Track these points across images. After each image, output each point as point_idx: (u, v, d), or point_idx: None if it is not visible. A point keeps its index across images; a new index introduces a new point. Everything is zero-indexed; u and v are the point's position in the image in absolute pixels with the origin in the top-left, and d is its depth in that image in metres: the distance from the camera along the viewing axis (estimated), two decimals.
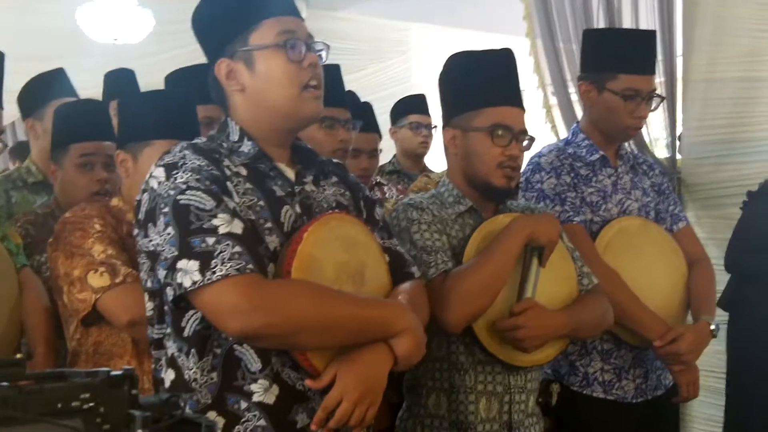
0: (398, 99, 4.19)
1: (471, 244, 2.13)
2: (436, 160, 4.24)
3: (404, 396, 2.24)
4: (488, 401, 2.13)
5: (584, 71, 2.67)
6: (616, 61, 2.56)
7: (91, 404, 0.87)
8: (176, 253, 1.55)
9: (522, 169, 2.54)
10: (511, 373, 2.15)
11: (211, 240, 1.54)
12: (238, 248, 1.54)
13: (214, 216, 1.57)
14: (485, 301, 2.05)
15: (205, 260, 1.53)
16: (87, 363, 2.16)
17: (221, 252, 1.53)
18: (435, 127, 4.00)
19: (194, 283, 1.52)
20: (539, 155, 2.63)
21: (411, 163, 3.92)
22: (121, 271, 2.09)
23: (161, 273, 1.59)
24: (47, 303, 2.31)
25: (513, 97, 2.20)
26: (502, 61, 2.22)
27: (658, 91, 2.62)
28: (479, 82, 2.17)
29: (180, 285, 1.54)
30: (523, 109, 2.21)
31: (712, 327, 2.51)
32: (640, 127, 2.65)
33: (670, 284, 2.58)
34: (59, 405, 0.85)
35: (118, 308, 2.07)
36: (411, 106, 3.95)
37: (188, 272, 1.53)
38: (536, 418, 2.24)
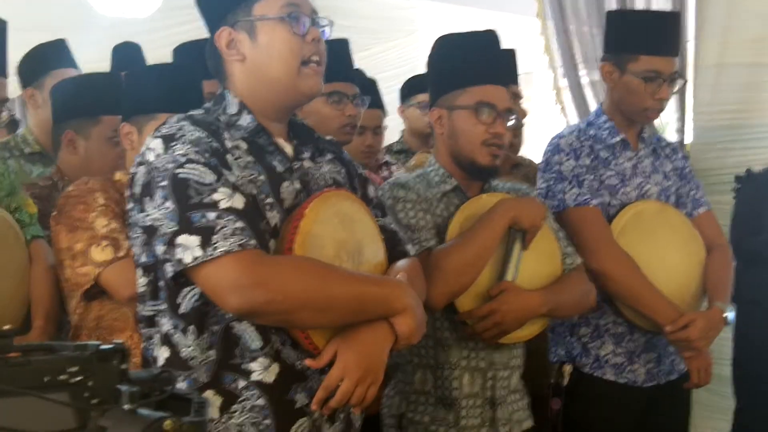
0: (407, 78, 4.16)
1: (454, 223, 2.17)
2: None
3: (389, 373, 2.25)
4: (471, 377, 2.18)
5: (606, 52, 2.66)
6: (638, 42, 2.55)
7: (79, 378, 0.86)
8: (176, 228, 1.53)
9: (543, 149, 2.61)
10: (495, 349, 2.19)
11: (212, 215, 1.52)
12: (239, 223, 1.53)
13: (215, 190, 1.55)
14: (467, 280, 2.09)
15: (206, 235, 1.51)
16: (89, 337, 2.16)
17: (223, 227, 1.51)
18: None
19: (195, 258, 1.50)
20: (560, 136, 2.62)
21: (419, 142, 3.89)
22: (124, 246, 2.07)
23: (159, 248, 1.56)
24: (54, 276, 2.30)
25: (497, 76, 2.24)
26: (487, 41, 2.27)
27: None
28: (464, 62, 2.22)
29: (180, 261, 1.52)
30: (507, 88, 2.25)
31: (726, 314, 2.49)
32: (662, 109, 2.63)
33: (686, 270, 2.57)
34: (46, 378, 0.84)
35: (120, 282, 2.07)
36: (420, 86, 3.91)
37: (189, 248, 1.51)
38: (520, 395, 2.28)
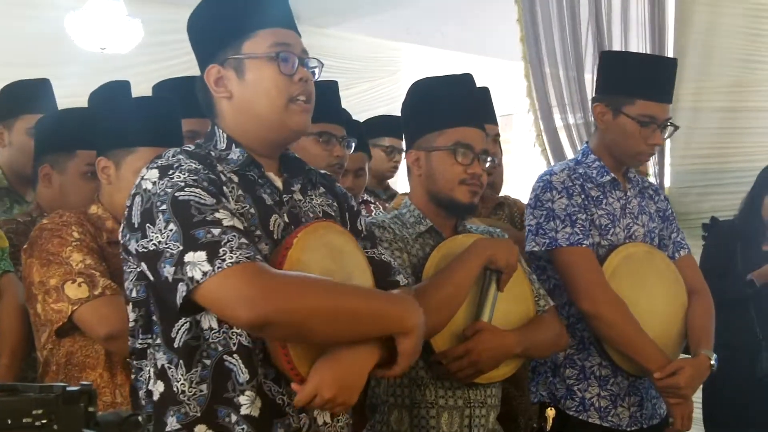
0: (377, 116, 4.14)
1: (430, 263, 2.17)
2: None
3: (367, 415, 2.24)
4: (450, 416, 2.16)
5: (600, 93, 2.64)
6: (635, 85, 2.52)
7: (43, 421, 0.83)
8: (181, 247, 1.50)
9: (533, 185, 2.58)
10: (471, 387, 2.18)
11: (216, 231, 1.50)
12: (244, 240, 1.51)
13: (216, 210, 1.53)
14: (442, 319, 2.08)
15: (213, 250, 1.48)
16: (58, 374, 2.11)
17: (229, 241, 1.49)
18: (405, 151, 3.97)
19: (205, 273, 1.47)
20: (550, 173, 2.61)
21: (375, 181, 3.87)
22: (100, 283, 2.04)
23: (168, 270, 1.52)
24: (24, 312, 2.27)
25: (474, 118, 2.25)
26: (463, 84, 2.28)
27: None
28: (441, 104, 2.23)
29: (192, 279, 1.48)
30: (484, 131, 2.26)
31: (712, 362, 2.49)
32: (653, 154, 2.62)
33: (669, 314, 2.56)
34: (9, 421, 0.81)
35: (95, 321, 2.02)
36: (389, 129, 3.89)
37: (196, 264, 1.48)
38: None
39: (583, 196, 2.54)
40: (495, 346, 2.12)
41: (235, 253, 1.48)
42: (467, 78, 2.30)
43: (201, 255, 1.48)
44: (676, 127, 2.60)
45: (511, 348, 2.16)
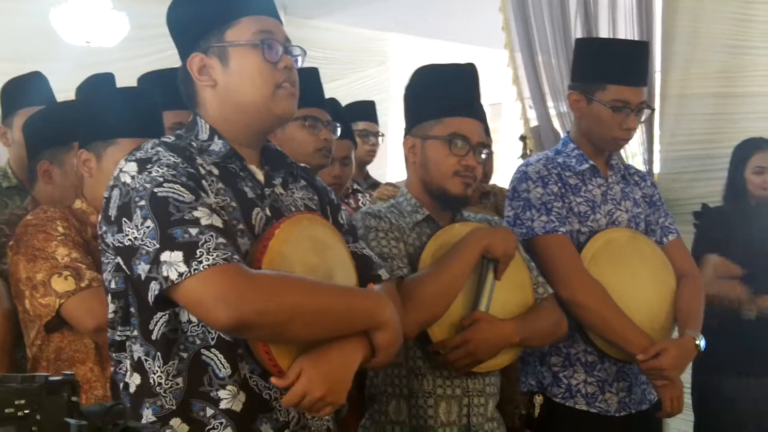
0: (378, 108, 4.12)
1: (426, 252, 2.16)
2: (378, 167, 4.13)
3: (366, 404, 2.24)
4: (448, 405, 2.15)
5: (574, 81, 2.65)
6: (606, 71, 2.53)
7: (26, 411, 0.82)
8: (158, 245, 1.49)
9: (510, 177, 2.58)
10: (469, 376, 2.17)
11: (194, 231, 1.49)
12: (222, 239, 1.51)
13: (195, 208, 1.53)
14: (439, 309, 2.08)
15: (190, 250, 1.48)
16: (48, 369, 2.10)
17: (206, 242, 1.49)
18: (382, 135, 3.94)
19: (180, 275, 1.47)
20: (527, 164, 2.62)
21: (356, 169, 3.84)
22: (87, 276, 2.03)
23: (142, 267, 1.52)
24: (7, 307, 2.25)
25: (473, 110, 2.24)
26: (465, 74, 2.26)
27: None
28: (440, 93, 2.22)
29: (167, 278, 1.48)
30: (482, 123, 2.24)
31: (697, 342, 2.49)
32: (629, 139, 2.63)
33: (657, 298, 2.56)
34: None
35: (83, 313, 2.02)
36: (359, 113, 3.86)
37: (173, 264, 1.47)
38: (497, 423, 2.25)
39: (560, 185, 2.55)
40: (492, 335, 2.12)
41: (212, 255, 1.48)
42: (469, 68, 2.28)
43: (178, 255, 1.48)
44: (652, 110, 2.62)
45: (509, 337, 2.16)
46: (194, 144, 1.70)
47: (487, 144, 2.25)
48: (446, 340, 2.11)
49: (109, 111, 2.17)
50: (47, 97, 3.08)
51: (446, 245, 2.16)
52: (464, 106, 2.22)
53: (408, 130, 2.28)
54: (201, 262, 1.47)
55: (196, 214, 1.52)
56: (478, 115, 2.24)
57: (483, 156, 2.22)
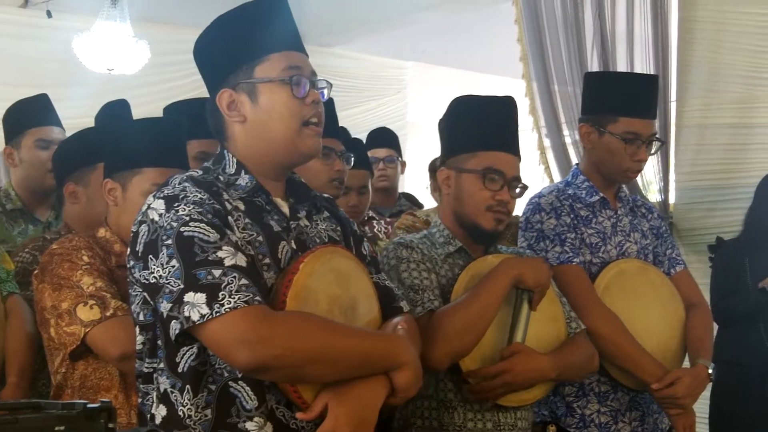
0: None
1: (459, 283, 2.14)
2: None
3: None
4: None
5: (585, 113, 2.67)
6: (618, 103, 2.55)
7: None
8: (182, 286, 1.52)
9: (522, 209, 2.57)
10: (500, 410, 2.14)
11: (217, 272, 1.52)
12: (244, 280, 1.53)
13: (219, 248, 1.55)
14: (470, 340, 2.05)
15: (213, 292, 1.50)
16: (72, 397, 2.10)
17: (228, 284, 1.51)
18: (399, 158, 3.93)
19: (202, 316, 1.50)
20: (539, 195, 2.63)
21: (379, 197, 3.84)
22: (111, 304, 2.05)
23: (165, 306, 1.55)
24: (31, 332, 2.27)
25: (509, 144, 2.22)
26: (503, 107, 2.25)
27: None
28: (477, 126, 2.20)
29: (188, 318, 1.51)
30: (518, 157, 2.23)
31: (710, 371, 2.50)
32: (640, 170, 2.65)
33: (667, 328, 2.57)
34: None
35: (108, 342, 2.03)
36: (370, 142, 3.88)
37: (195, 305, 1.50)
38: None
39: (572, 216, 2.56)
40: (530, 369, 2.10)
41: (234, 297, 1.50)
42: (507, 101, 2.27)
43: (201, 297, 1.51)
44: (662, 142, 2.63)
45: (547, 372, 2.14)
46: (221, 178, 1.72)
47: (521, 179, 2.23)
48: (482, 369, 2.08)
49: (134, 139, 2.20)
50: (53, 118, 3.12)
51: (479, 276, 2.13)
52: (500, 139, 2.20)
53: (443, 161, 2.27)
54: (223, 305, 1.49)
55: (220, 254, 1.54)
56: (514, 149, 2.23)
57: (517, 191, 2.21)
